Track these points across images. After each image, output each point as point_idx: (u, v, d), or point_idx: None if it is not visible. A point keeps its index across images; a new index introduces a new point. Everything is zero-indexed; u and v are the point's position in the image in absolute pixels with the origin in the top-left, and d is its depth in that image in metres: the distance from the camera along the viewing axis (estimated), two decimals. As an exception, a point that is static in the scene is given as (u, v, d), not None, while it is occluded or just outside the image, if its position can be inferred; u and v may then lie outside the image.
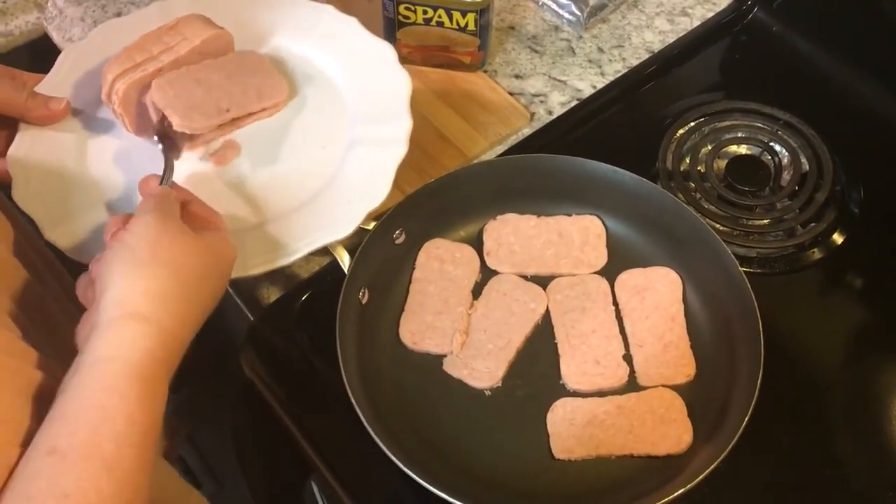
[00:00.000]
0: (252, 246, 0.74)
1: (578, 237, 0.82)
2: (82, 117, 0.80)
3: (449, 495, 0.65)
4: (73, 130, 0.79)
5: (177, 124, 0.75)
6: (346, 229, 0.74)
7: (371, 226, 0.78)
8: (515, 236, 0.82)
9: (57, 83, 0.80)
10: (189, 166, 0.79)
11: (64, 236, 0.73)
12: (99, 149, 0.79)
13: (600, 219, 0.83)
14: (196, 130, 0.76)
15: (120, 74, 0.76)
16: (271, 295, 0.83)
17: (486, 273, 0.81)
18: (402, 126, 0.78)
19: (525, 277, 0.81)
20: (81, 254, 0.73)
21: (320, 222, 0.75)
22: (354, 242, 0.79)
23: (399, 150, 0.77)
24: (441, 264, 0.81)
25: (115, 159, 0.79)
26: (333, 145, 0.80)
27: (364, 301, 0.78)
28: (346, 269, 0.76)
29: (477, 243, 0.83)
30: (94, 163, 0.79)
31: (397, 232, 0.80)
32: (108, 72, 0.77)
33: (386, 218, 0.79)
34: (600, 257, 0.82)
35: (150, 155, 0.76)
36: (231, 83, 0.79)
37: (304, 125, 0.82)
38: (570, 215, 0.83)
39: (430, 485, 0.66)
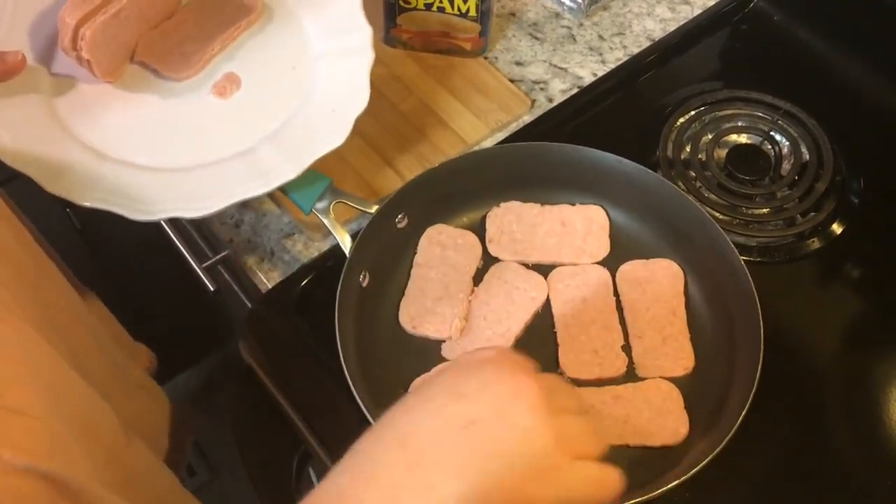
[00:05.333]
0: (249, 169, 0.75)
1: (581, 227, 0.82)
2: (38, 71, 0.78)
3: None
4: (36, 90, 0.77)
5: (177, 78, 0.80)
6: (340, 137, 0.75)
7: (374, 209, 0.78)
8: (518, 224, 0.82)
9: (1, 37, 0.78)
10: (187, 98, 0.80)
11: (66, 188, 0.72)
12: (68, 102, 0.78)
13: (604, 209, 0.83)
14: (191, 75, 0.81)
15: (82, 19, 0.75)
16: (271, 280, 0.82)
17: (488, 260, 0.81)
18: (364, 34, 0.80)
19: (526, 265, 0.81)
20: (85, 200, 0.72)
21: (311, 135, 0.76)
22: (356, 226, 0.79)
23: (367, 56, 0.79)
24: (443, 250, 0.81)
25: (88, 107, 0.78)
26: (302, 64, 0.82)
27: (365, 284, 0.77)
28: (347, 252, 0.75)
29: (480, 230, 0.83)
30: (67, 116, 0.77)
31: (399, 216, 0.80)
32: (69, 18, 0.74)
33: (388, 202, 0.78)
34: (602, 247, 0.81)
35: (120, 97, 0.79)
36: (208, 24, 0.82)
37: (269, 50, 0.84)
38: (573, 204, 0.83)
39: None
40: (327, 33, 0.83)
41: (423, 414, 0.48)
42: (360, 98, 0.78)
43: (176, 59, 0.81)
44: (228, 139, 0.78)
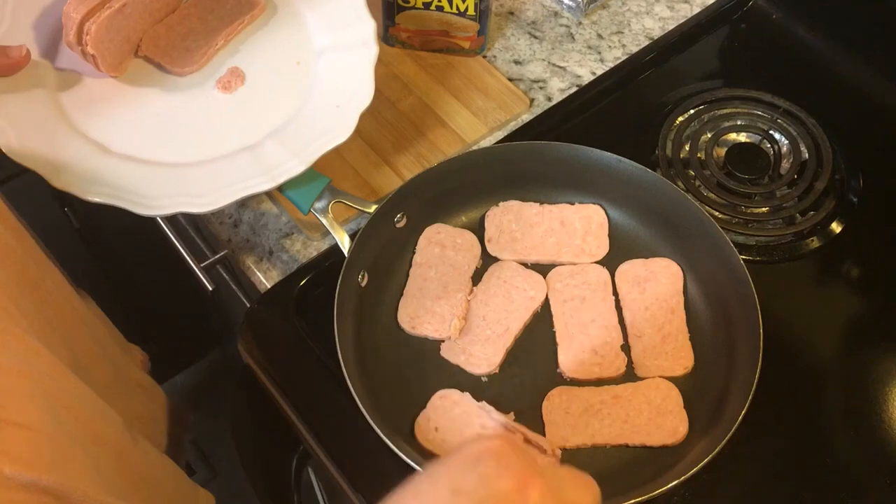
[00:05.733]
0: (255, 165, 0.75)
1: (581, 226, 0.82)
2: (43, 66, 0.79)
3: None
4: (40, 84, 0.78)
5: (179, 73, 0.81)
6: (345, 132, 0.76)
7: (372, 209, 0.77)
8: (517, 223, 0.82)
9: (2, 34, 0.78)
10: (191, 92, 0.81)
11: (70, 182, 0.73)
12: (72, 96, 0.79)
13: (603, 208, 0.83)
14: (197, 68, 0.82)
15: (87, 14, 0.75)
16: (269, 279, 0.82)
17: (487, 259, 0.81)
18: (367, 28, 0.81)
19: (525, 265, 0.81)
20: (89, 195, 0.72)
21: (316, 130, 0.77)
22: (355, 225, 0.79)
23: (370, 50, 0.80)
24: (442, 249, 0.81)
25: (93, 101, 0.79)
26: (306, 59, 0.83)
27: (363, 284, 0.77)
28: (346, 252, 0.75)
29: (479, 229, 0.82)
30: (72, 111, 0.78)
31: (398, 216, 0.80)
32: (74, 13, 0.75)
33: (387, 201, 0.78)
34: (602, 247, 0.81)
35: (125, 91, 0.80)
36: (211, 18, 0.83)
37: (273, 45, 0.84)
38: (572, 204, 0.83)
39: (428, 470, 0.65)
40: (331, 28, 0.83)
41: None
42: (364, 93, 0.78)
43: (180, 54, 0.82)
44: (233, 134, 0.78)
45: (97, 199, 0.72)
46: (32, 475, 0.50)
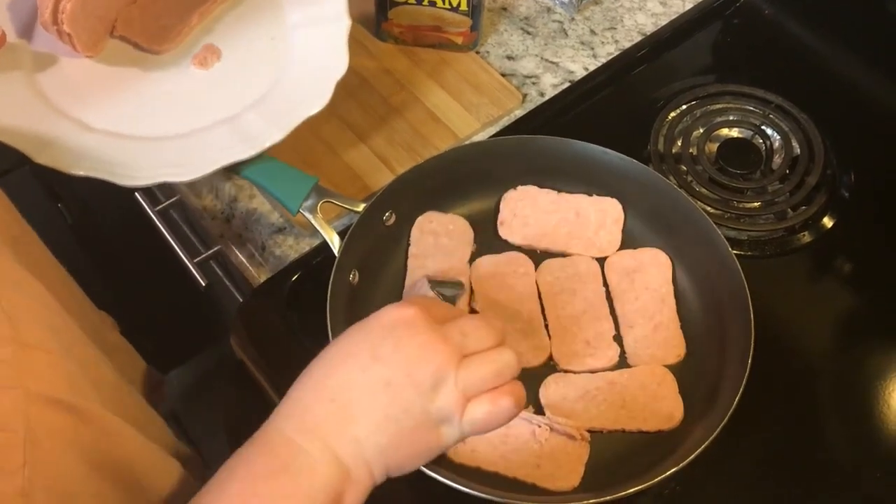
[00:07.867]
0: (234, 135, 0.76)
1: (595, 219, 0.81)
2: (19, 47, 0.80)
3: (439, 474, 0.65)
4: (17, 66, 0.79)
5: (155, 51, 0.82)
6: (320, 102, 0.77)
7: (360, 207, 0.77)
8: (532, 209, 0.82)
9: None
10: (168, 70, 0.82)
11: (53, 158, 0.73)
12: (50, 77, 0.79)
13: (620, 203, 0.82)
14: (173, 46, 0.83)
15: None
16: (262, 274, 0.82)
17: (482, 245, 0.81)
18: (339, 1, 0.82)
19: (535, 252, 0.81)
20: (73, 169, 0.73)
21: (293, 101, 0.78)
22: (347, 220, 0.78)
23: (343, 23, 0.81)
24: (436, 238, 0.80)
25: (71, 81, 0.80)
26: (280, 34, 0.84)
27: (355, 283, 0.77)
28: (336, 252, 0.75)
29: (493, 212, 0.82)
30: (51, 91, 0.79)
31: (387, 214, 0.80)
32: None
33: (375, 200, 0.78)
34: (613, 243, 0.81)
35: (102, 71, 0.81)
36: None
37: (247, 22, 0.85)
38: (590, 195, 0.83)
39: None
40: (303, 2, 0.84)
41: (351, 370, 0.55)
42: (339, 64, 0.79)
43: (155, 33, 0.82)
44: (211, 108, 0.79)
45: (81, 173, 0.72)
46: (55, 393, 0.53)
